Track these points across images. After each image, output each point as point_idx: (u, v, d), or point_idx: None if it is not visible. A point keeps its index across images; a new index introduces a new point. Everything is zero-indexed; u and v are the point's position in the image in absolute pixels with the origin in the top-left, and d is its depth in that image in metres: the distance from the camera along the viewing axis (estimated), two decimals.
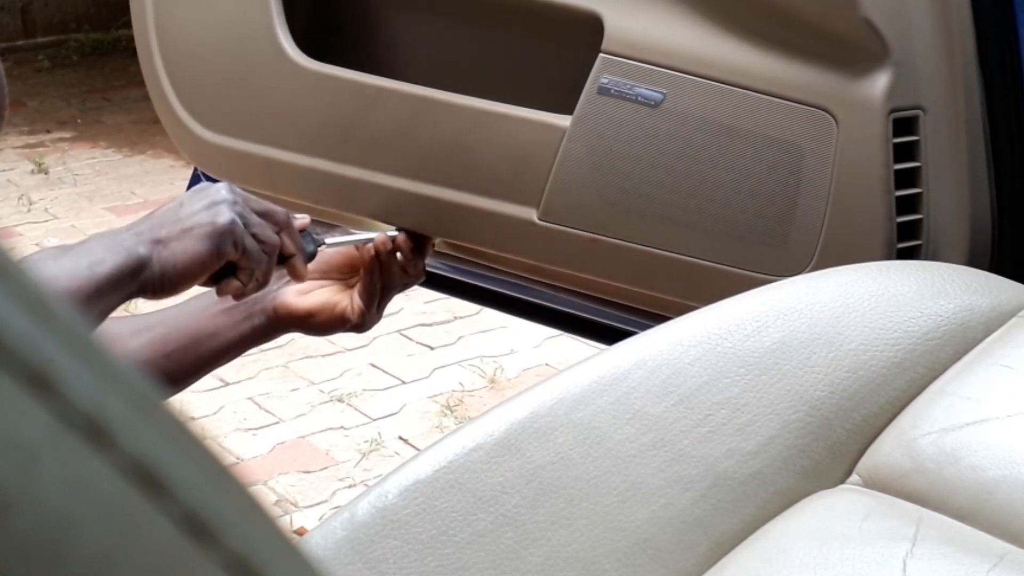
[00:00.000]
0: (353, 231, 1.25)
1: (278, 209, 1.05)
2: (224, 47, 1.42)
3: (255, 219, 1.01)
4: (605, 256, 1.23)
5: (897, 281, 0.93)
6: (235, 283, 1.01)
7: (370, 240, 1.20)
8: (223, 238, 0.98)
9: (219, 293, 1.03)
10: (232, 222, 0.98)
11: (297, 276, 1.08)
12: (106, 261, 0.91)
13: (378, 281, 1.19)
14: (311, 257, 1.11)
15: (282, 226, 1.04)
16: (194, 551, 0.18)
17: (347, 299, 1.19)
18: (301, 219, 1.12)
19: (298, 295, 1.17)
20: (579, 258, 1.25)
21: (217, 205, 0.99)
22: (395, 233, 1.23)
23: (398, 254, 1.23)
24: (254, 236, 1.01)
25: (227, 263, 1.00)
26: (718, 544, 0.80)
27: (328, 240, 1.15)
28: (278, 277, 1.10)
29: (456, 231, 1.32)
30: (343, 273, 1.21)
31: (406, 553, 0.78)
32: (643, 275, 1.22)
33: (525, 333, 3.01)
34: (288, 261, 1.06)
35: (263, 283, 1.03)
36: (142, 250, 0.94)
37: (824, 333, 0.88)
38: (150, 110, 1.52)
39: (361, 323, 1.20)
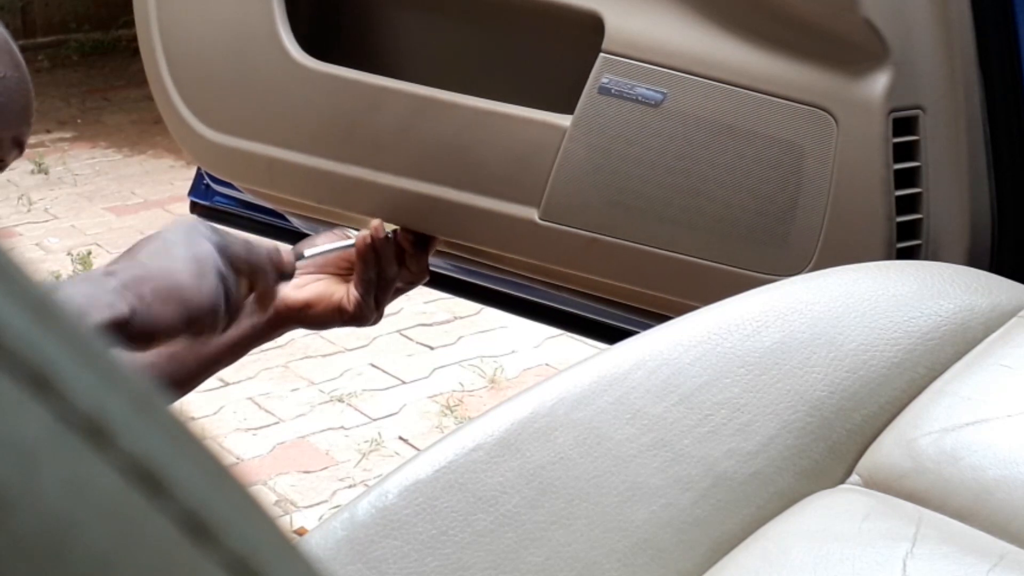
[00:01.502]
0: (344, 229, 1.25)
1: (258, 261, 1.02)
2: (227, 46, 1.42)
3: (233, 288, 0.99)
4: (605, 256, 1.23)
5: (897, 281, 0.93)
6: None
7: (350, 246, 1.20)
8: (202, 321, 0.96)
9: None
10: (215, 302, 0.96)
11: (263, 307, 1.07)
12: (87, 317, 0.89)
13: (372, 270, 1.19)
14: (290, 274, 1.10)
15: (257, 275, 1.03)
16: (194, 551, 0.18)
17: (343, 290, 1.19)
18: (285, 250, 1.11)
19: (294, 288, 1.17)
20: (579, 258, 1.25)
21: (205, 273, 0.96)
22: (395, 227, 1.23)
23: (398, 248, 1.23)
24: (231, 303, 0.99)
25: None
26: (718, 544, 0.80)
27: (307, 252, 1.15)
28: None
29: (457, 231, 1.32)
30: (339, 267, 1.21)
31: (406, 553, 0.78)
32: (643, 275, 1.22)
33: (525, 333, 3.01)
34: (258, 300, 1.04)
35: (220, 332, 1.02)
36: (124, 308, 0.91)
37: (824, 333, 0.88)
38: (150, 110, 1.53)
39: (359, 314, 1.19)
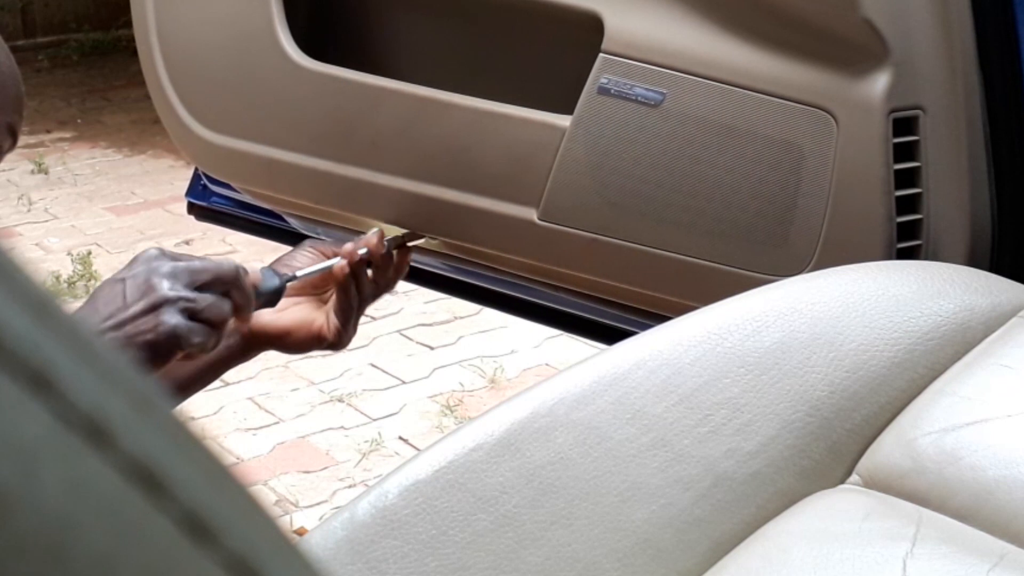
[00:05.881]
0: (318, 242, 1.22)
1: (226, 269, 1.01)
2: (225, 47, 1.42)
3: (202, 300, 0.98)
4: (605, 256, 1.23)
5: (897, 281, 0.93)
6: (183, 354, 1.00)
7: (331, 266, 1.18)
8: (165, 349, 0.96)
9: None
10: (174, 330, 0.96)
11: (242, 325, 1.07)
12: None
13: (354, 298, 1.17)
14: (279, 293, 1.10)
15: (231, 285, 1.01)
16: (194, 551, 0.18)
17: (323, 316, 1.17)
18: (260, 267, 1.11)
19: (273, 313, 1.14)
20: (579, 258, 1.25)
21: (159, 309, 0.96)
22: (364, 250, 1.19)
23: (369, 271, 1.20)
24: (204, 320, 0.98)
25: None
26: (718, 544, 0.80)
27: (298, 273, 1.14)
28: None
29: (456, 231, 1.32)
30: (317, 288, 1.19)
31: (406, 553, 0.78)
32: (643, 275, 1.22)
33: (525, 333, 3.01)
34: (236, 314, 1.04)
35: (213, 348, 1.01)
36: None
37: (824, 333, 0.88)
38: (150, 110, 1.52)
39: (338, 340, 1.18)
